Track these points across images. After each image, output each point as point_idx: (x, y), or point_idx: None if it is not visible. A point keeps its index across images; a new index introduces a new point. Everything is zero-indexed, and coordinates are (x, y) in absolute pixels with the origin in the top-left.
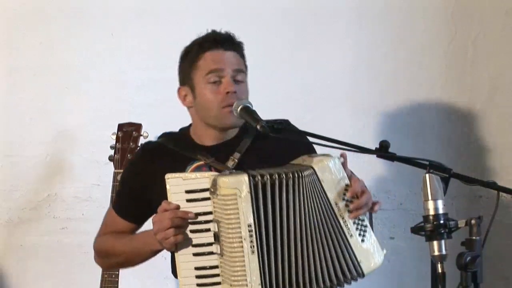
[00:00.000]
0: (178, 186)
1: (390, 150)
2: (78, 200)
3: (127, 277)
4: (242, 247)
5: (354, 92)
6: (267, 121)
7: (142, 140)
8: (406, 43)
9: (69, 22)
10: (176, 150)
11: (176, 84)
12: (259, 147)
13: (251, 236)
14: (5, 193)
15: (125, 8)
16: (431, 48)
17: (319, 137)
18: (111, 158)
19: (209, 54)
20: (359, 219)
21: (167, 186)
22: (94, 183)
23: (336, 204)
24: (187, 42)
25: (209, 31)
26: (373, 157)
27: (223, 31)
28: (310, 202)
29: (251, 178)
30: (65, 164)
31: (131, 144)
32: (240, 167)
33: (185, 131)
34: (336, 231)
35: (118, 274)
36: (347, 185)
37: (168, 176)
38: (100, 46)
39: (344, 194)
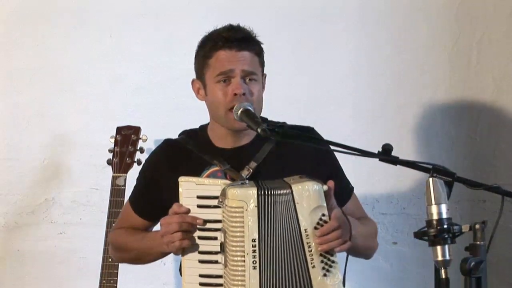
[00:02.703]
0: (191, 190)
1: (393, 153)
2: (76, 204)
3: (125, 283)
4: (244, 261)
5: (356, 94)
6: (268, 124)
7: (141, 143)
8: (409, 45)
9: (67, 23)
10: (194, 151)
11: (175, 86)
12: (278, 156)
13: (254, 251)
14: (2, 198)
15: (124, 9)
16: (435, 50)
17: (321, 141)
18: (109, 162)
19: (221, 54)
20: (327, 253)
21: (180, 189)
22: (92, 187)
23: (305, 230)
24: (186, 44)
25: (226, 25)
26: (376, 160)
27: (240, 27)
28: (283, 223)
29: (260, 192)
30: (63, 168)
31: (130, 147)
32: (254, 177)
33: (204, 129)
34: (298, 258)
35: (117, 279)
36: (323, 215)
37: (181, 179)
38: (98, 48)
39: (318, 224)
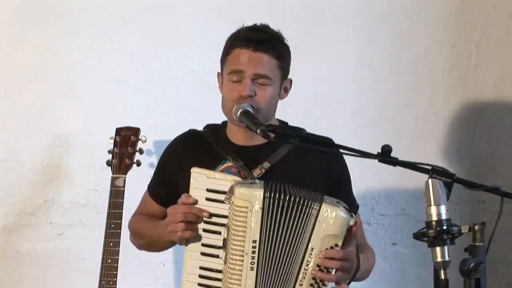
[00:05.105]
0: (201, 182)
1: (392, 154)
2: (75, 205)
3: (125, 284)
4: (242, 261)
5: (356, 95)
6: (268, 125)
7: (140, 144)
8: (409, 46)
9: (67, 23)
10: (212, 144)
11: (174, 87)
12: (292, 159)
13: (253, 252)
14: (1, 199)
15: (124, 9)
16: (434, 51)
17: (321, 141)
18: (108, 163)
19: (236, 52)
20: (320, 280)
21: (191, 180)
22: (92, 188)
23: (312, 249)
24: (185, 45)
25: (253, 24)
26: (375, 161)
27: (264, 28)
28: (293, 231)
29: (267, 194)
30: (62, 169)
31: (129, 148)
32: (266, 178)
33: (224, 125)
34: (292, 270)
35: (116, 280)
36: (336, 245)
37: (194, 170)
38: (98, 48)
39: (326, 249)
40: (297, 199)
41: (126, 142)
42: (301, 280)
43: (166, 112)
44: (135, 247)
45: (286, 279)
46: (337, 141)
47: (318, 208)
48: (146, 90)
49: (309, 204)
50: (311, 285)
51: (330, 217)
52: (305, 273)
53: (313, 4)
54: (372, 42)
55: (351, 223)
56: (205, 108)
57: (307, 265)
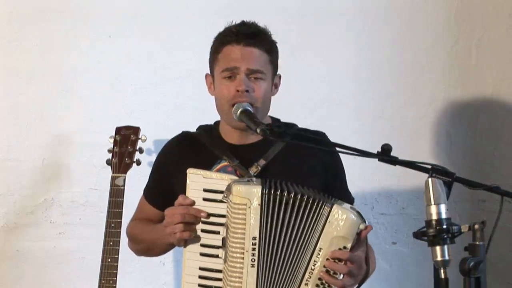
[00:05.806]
0: (198, 182)
1: (392, 153)
2: (75, 204)
3: (125, 283)
4: (243, 258)
5: (356, 95)
6: (267, 125)
7: (140, 144)
8: (409, 46)
9: (67, 23)
10: (208, 145)
11: (174, 86)
12: (287, 155)
13: (253, 249)
14: (1, 198)
15: (124, 9)
16: (434, 50)
17: (321, 141)
18: (108, 162)
19: (228, 49)
20: (326, 282)
21: (187, 181)
22: (92, 188)
23: (320, 249)
24: (185, 44)
25: (239, 22)
26: (375, 161)
27: (252, 24)
28: (300, 229)
29: (265, 190)
30: (62, 168)
31: (129, 147)
32: (262, 175)
33: (217, 124)
34: (298, 269)
35: (116, 280)
36: (344, 247)
37: (190, 170)
38: (97, 49)
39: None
40: (306, 197)
41: (126, 141)
42: (307, 280)
43: (166, 111)
44: (134, 253)
45: (291, 277)
46: (337, 140)
47: (329, 208)
48: (146, 89)
49: (320, 204)
50: (317, 285)
51: (340, 218)
52: (312, 273)
53: (313, 4)
54: (372, 42)
55: (361, 227)
56: (205, 108)
57: (314, 264)
